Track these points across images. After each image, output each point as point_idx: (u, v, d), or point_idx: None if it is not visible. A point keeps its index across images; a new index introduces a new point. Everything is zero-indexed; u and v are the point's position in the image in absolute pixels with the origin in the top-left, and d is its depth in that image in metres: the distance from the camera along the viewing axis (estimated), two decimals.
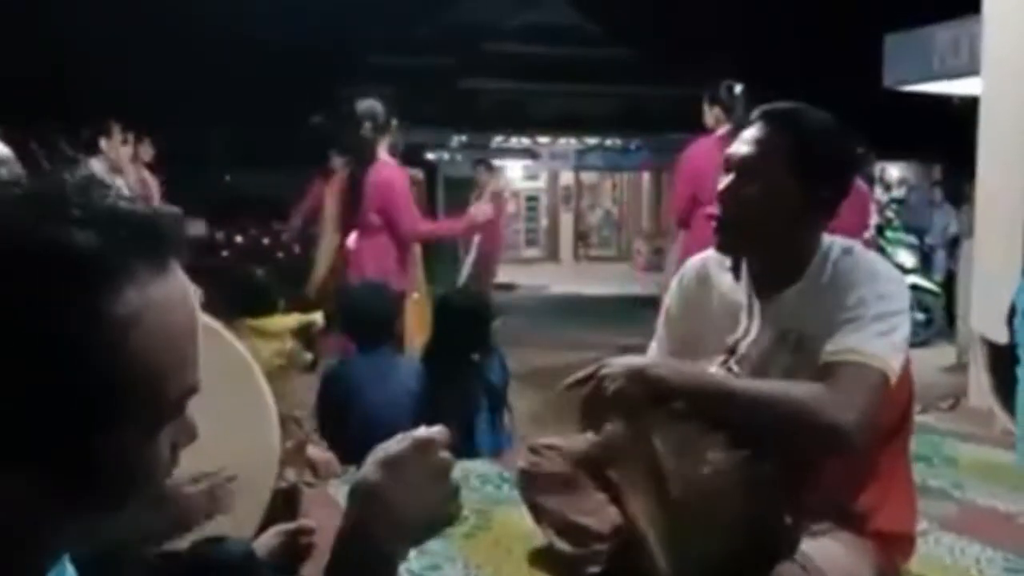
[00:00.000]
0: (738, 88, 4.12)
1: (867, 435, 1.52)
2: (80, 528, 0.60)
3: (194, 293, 0.63)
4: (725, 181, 1.69)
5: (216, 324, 1.67)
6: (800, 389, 1.57)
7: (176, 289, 0.60)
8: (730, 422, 1.57)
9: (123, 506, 0.61)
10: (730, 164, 1.69)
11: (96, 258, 0.55)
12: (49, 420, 0.55)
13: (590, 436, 1.87)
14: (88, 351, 0.55)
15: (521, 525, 2.16)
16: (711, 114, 4.21)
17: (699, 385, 1.64)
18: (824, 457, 1.58)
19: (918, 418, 3.28)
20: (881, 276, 1.66)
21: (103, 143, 4.88)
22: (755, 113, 1.72)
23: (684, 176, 4.22)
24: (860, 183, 6.65)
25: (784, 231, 1.66)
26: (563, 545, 1.96)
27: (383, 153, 3.88)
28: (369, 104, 3.89)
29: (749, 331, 1.73)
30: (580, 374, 1.70)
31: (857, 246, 1.77)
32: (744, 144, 1.69)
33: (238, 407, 1.62)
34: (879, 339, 1.56)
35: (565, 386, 1.72)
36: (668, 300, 1.94)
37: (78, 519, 0.59)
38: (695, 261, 1.89)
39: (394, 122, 3.92)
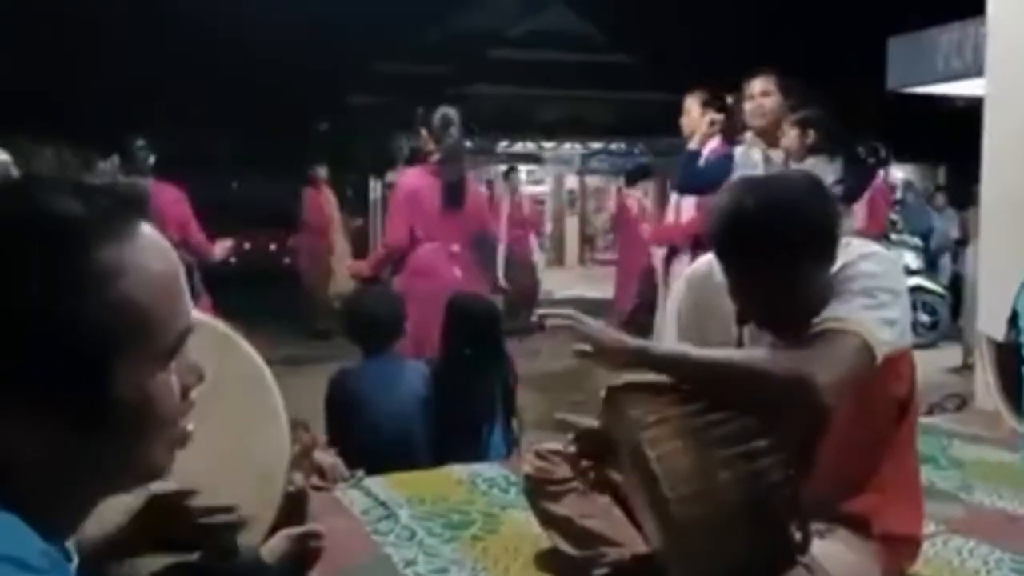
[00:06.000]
0: (450, 113, 3.97)
1: (839, 394, 1.49)
2: (108, 467, 0.69)
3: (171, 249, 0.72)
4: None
5: (227, 329, 1.68)
6: (776, 352, 1.57)
7: (151, 244, 0.69)
8: (707, 387, 1.55)
9: (141, 440, 0.69)
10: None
11: (78, 220, 0.64)
12: (61, 366, 0.63)
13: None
14: (83, 299, 0.63)
15: (528, 528, 2.17)
16: (420, 139, 4.04)
17: (673, 353, 1.64)
18: (796, 417, 1.54)
19: (924, 420, 3.28)
20: (875, 257, 1.65)
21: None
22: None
23: (401, 207, 3.96)
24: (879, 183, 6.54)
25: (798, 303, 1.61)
26: (569, 548, 1.97)
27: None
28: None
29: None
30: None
31: (856, 239, 1.77)
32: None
33: (250, 410, 1.63)
34: (863, 310, 1.55)
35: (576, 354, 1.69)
36: (678, 304, 1.94)
37: (105, 458, 0.68)
38: (703, 262, 1.89)
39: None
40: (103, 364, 0.64)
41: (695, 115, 4.08)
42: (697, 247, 3.83)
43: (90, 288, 0.64)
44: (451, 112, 3.99)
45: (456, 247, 4.01)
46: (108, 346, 0.64)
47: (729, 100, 4.10)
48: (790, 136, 3.55)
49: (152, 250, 0.69)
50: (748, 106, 3.69)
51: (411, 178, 4.02)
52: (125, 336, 0.65)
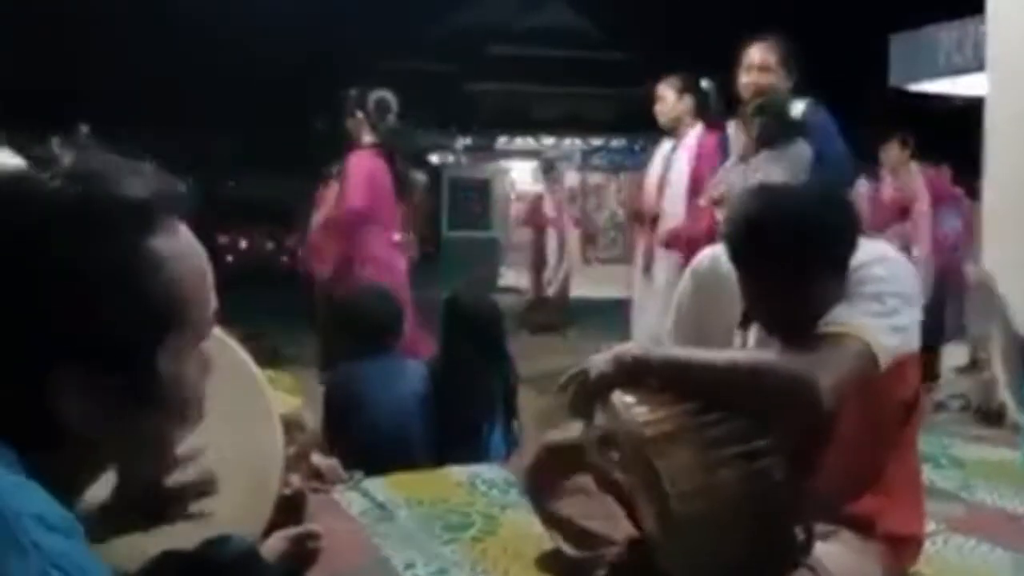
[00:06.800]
0: (387, 96, 3.86)
1: (838, 397, 1.49)
2: (141, 441, 0.75)
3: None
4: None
5: (216, 329, 1.67)
6: (775, 354, 1.57)
7: (188, 239, 0.75)
8: (708, 390, 1.55)
9: (171, 416, 0.75)
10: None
11: (145, 203, 0.71)
12: (120, 339, 0.69)
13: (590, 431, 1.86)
14: (141, 280, 0.69)
15: (528, 529, 2.16)
16: (355, 122, 3.91)
17: (672, 357, 1.64)
18: (796, 420, 1.54)
19: (927, 419, 3.27)
20: (887, 261, 1.64)
21: None
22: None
23: (362, 184, 3.81)
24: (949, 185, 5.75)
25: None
26: (571, 549, 1.96)
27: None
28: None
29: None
30: (570, 373, 1.71)
31: (872, 240, 1.75)
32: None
33: (242, 411, 1.62)
34: (870, 316, 1.54)
35: (559, 388, 1.72)
36: (679, 296, 1.94)
37: (142, 431, 0.74)
38: (708, 254, 1.88)
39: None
40: (154, 341, 0.71)
41: (670, 101, 3.97)
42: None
43: (147, 270, 0.70)
44: (388, 96, 3.90)
45: (398, 236, 3.98)
46: (158, 325, 0.71)
47: (704, 85, 3.99)
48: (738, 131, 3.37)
49: (188, 240, 0.75)
50: (744, 78, 3.42)
51: (365, 160, 3.87)
52: (171, 317, 0.72)
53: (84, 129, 4.82)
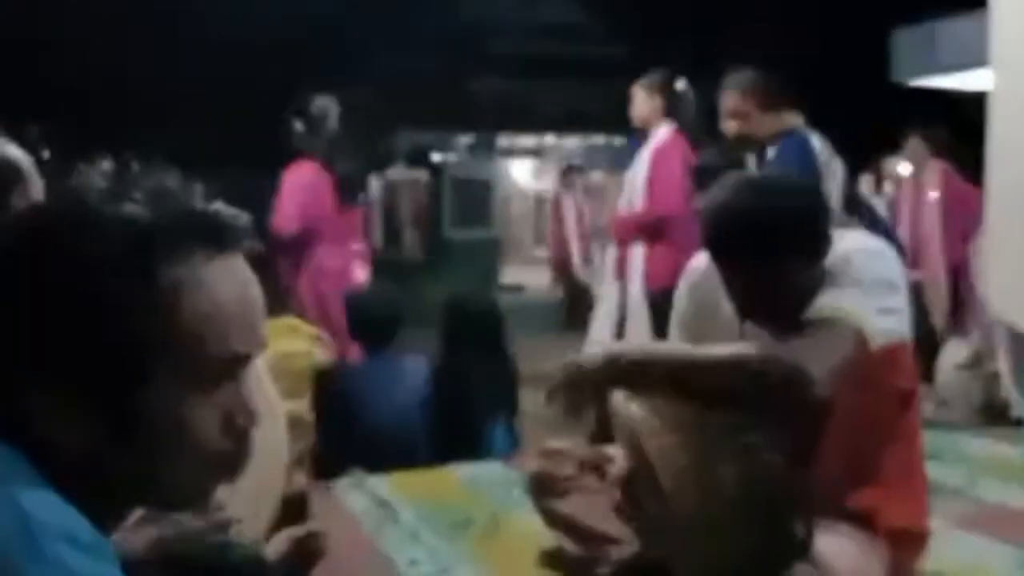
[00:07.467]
0: (327, 103, 3.77)
1: (832, 384, 1.49)
2: (133, 481, 0.69)
3: (254, 284, 0.72)
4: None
5: None
6: (767, 346, 1.57)
7: (228, 274, 0.69)
8: (703, 386, 1.55)
9: (169, 462, 0.68)
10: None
11: (150, 230, 0.67)
12: (102, 364, 0.64)
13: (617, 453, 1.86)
14: (136, 307, 0.65)
15: (531, 527, 2.16)
16: (298, 129, 3.79)
17: (667, 355, 1.64)
18: (792, 412, 1.54)
19: (930, 415, 3.27)
20: (868, 250, 1.65)
21: None
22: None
23: (296, 197, 3.66)
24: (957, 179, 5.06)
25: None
26: (573, 548, 1.96)
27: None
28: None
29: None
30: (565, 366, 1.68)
31: (853, 231, 1.76)
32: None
33: None
34: (856, 300, 1.55)
35: (547, 397, 1.70)
36: (678, 303, 1.94)
37: (131, 471, 0.68)
38: (699, 260, 1.88)
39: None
40: (140, 377, 0.66)
41: (640, 101, 3.78)
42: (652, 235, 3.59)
43: (145, 302, 0.65)
44: (328, 102, 3.79)
45: (356, 245, 3.87)
46: (148, 359, 0.66)
47: (679, 86, 3.81)
48: None
49: (225, 279, 0.69)
50: (723, 124, 3.23)
51: (300, 170, 3.72)
52: (168, 354, 0.66)
53: (35, 130, 4.72)
